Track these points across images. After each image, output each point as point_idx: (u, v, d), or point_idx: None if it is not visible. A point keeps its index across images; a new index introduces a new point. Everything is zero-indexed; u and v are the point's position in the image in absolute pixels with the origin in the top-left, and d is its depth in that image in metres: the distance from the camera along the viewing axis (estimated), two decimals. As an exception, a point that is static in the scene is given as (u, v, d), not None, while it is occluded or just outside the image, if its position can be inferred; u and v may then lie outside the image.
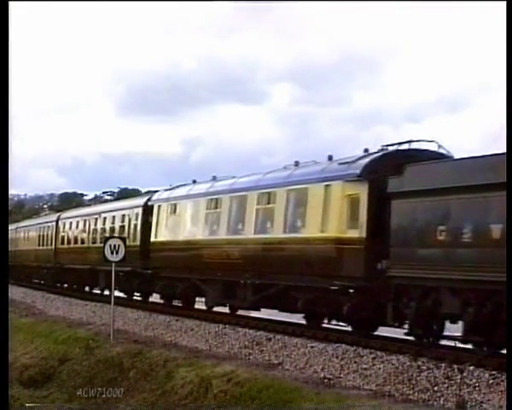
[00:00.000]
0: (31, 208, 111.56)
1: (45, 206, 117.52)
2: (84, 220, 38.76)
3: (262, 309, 23.85)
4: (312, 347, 17.95)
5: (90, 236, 36.95)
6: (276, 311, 23.19)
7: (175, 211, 27.78)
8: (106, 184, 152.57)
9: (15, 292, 42.08)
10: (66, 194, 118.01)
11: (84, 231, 38.50)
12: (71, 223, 41.67)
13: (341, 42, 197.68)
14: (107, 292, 34.21)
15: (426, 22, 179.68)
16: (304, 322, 21.48)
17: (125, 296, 32.90)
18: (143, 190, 78.53)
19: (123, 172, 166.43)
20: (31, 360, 22.92)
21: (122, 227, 32.47)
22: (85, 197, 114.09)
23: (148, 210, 29.98)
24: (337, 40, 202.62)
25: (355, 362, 16.12)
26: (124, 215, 32.64)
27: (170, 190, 29.29)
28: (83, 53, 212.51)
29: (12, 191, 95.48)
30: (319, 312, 20.19)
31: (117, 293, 33.40)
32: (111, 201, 42.14)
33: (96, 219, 36.60)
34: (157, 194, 30.48)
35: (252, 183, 23.34)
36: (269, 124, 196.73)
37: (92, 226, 37.07)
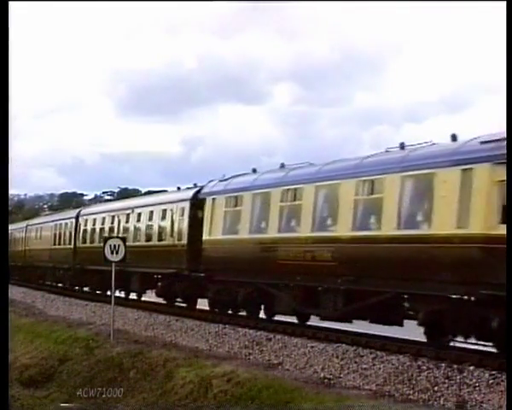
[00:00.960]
0: (31, 208, 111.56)
1: (45, 206, 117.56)
2: (112, 217, 34.31)
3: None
4: (312, 347, 17.94)
5: (120, 234, 31.67)
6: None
7: (236, 204, 23.39)
8: (106, 184, 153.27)
9: (15, 292, 42.07)
10: (65, 194, 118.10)
11: (111, 228, 34.04)
12: (94, 220, 37.09)
13: (343, 42, 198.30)
14: (144, 297, 31.94)
15: (427, 22, 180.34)
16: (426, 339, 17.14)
17: (165, 303, 29.26)
18: (143, 190, 78.59)
19: (123, 172, 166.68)
20: (31, 360, 22.93)
21: (162, 224, 28.79)
22: (85, 197, 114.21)
23: (197, 204, 26.10)
24: (338, 40, 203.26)
25: (355, 362, 16.11)
26: (165, 210, 28.59)
27: (225, 180, 25.05)
28: (83, 53, 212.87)
29: (12, 191, 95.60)
30: (450, 327, 16.07)
31: (153, 298, 30.82)
32: (141, 195, 37.37)
33: (128, 214, 32.35)
34: (209, 186, 25.97)
35: (347, 169, 19.32)
36: (269, 124, 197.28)
37: (123, 223, 32.69)
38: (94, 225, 37.17)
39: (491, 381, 13.46)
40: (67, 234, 41.10)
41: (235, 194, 23.57)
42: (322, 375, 15.66)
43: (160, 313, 27.12)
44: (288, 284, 20.70)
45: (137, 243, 30.32)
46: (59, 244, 42.75)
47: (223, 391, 15.34)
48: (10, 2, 12.92)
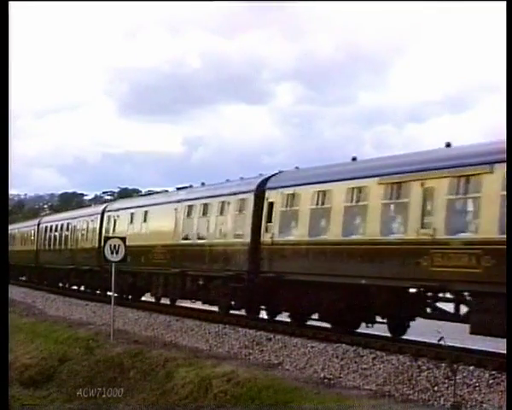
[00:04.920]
0: (31, 208, 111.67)
1: (45, 206, 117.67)
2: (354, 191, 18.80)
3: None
4: (312, 347, 17.95)
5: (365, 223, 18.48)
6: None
7: None
8: (107, 184, 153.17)
9: (16, 292, 42.04)
10: (66, 194, 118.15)
11: (350, 208, 18.94)
12: (292, 196, 21.19)
13: (347, 41, 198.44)
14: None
15: (431, 22, 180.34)
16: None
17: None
18: (143, 190, 78.50)
19: (124, 171, 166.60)
20: (31, 360, 22.91)
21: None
22: (85, 197, 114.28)
23: None
24: (342, 40, 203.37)
25: (355, 362, 16.12)
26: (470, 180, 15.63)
27: None
28: (85, 52, 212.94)
29: (12, 191, 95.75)
30: None
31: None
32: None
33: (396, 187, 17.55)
34: None
35: None
36: (272, 123, 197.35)
37: (364, 201, 18.52)
38: (291, 205, 21.33)
39: (491, 381, 13.47)
40: (219, 221, 24.91)
41: None
42: (322, 375, 15.67)
43: (160, 313, 27.10)
44: None
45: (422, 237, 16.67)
46: (197, 238, 26.33)
47: (223, 391, 15.33)
48: (10, 3, 12.93)
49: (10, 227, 57.25)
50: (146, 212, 30.83)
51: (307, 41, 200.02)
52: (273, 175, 23.17)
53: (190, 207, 26.85)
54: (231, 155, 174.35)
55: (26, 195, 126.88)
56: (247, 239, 22.73)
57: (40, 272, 48.23)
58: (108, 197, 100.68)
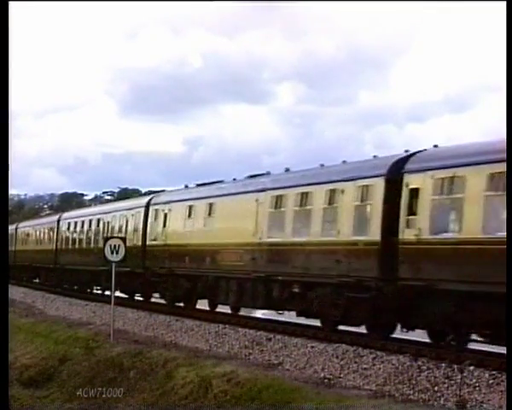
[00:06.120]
0: (31, 208, 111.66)
1: (45, 206, 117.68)
2: None
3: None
4: (312, 347, 17.95)
5: None
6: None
7: None
8: (107, 184, 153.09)
9: (15, 292, 42.03)
10: (66, 194, 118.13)
11: None
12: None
13: (347, 41, 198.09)
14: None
15: (432, 22, 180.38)
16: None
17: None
18: (143, 191, 78.51)
19: (124, 171, 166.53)
20: (31, 360, 22.92)
21: None
22: (86, 197, 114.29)
23: None
24: (343, 40, 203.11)
25: (355, 362, 16.12)
26: None
27: None
28: (85, 51, 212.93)
29: (12, 191, 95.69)
30: None
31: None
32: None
33: None
34: None
35: None
36: (272, 123, 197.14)
37: None
38: (449, 192, 16.45)
39: (491, 381, 13.48)
40: (328, 214, 19.93)
41: None
42: (322, 375, 15.67)
43: (160, 313, 27.09)
44: None
45: None
46: (291, 236, 21.41)
47: (223, 391, 15.33)
48: (10, 3, 12.93)
49: (23, 225, 56.63)
50: (211, 204, 25.64)
51: (308, 41, 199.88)
52: (412, 154, 18.00)
53: (280, 197, 21.84)
54: (232, 155, 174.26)
55: (26, 195, 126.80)
56: (375, 237, 17.91)
57: (60, 273, 42.98)
58: (108, 197, 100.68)
